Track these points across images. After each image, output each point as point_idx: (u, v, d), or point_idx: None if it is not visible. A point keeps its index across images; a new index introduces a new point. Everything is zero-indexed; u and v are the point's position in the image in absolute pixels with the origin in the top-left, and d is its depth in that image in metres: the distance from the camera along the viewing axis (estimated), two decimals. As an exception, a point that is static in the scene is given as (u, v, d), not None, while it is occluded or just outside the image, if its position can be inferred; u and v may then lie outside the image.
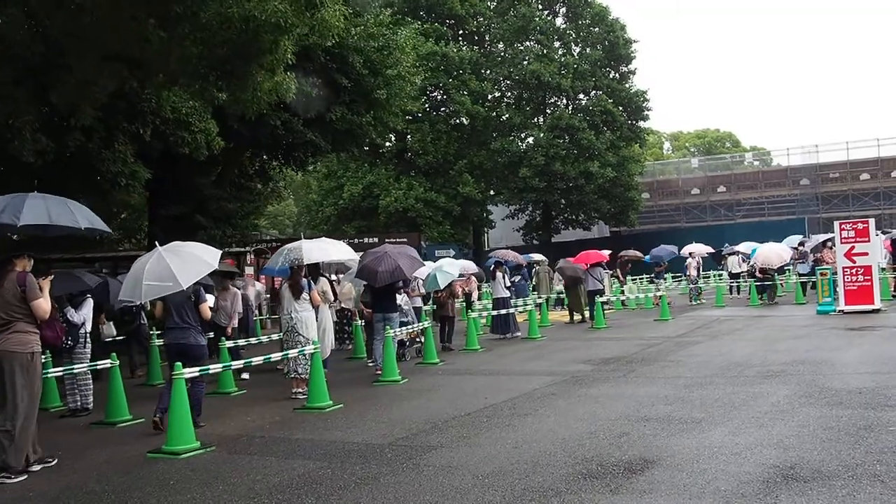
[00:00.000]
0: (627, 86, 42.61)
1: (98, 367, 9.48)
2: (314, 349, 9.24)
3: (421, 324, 13.73)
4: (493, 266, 19.04)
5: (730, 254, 27.08)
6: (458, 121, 43.07)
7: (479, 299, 26.94)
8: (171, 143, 14.33)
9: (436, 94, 42.81)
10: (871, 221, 17.81)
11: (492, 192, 45.39)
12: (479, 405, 8.64)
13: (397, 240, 31.29)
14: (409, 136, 40.01)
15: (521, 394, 9.30)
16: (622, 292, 25.03)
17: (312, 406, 9.01)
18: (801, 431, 6.29)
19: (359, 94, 19.30)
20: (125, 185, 13.40)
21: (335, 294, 15.45)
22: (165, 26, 8.68)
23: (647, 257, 27.09)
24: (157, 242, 8.98)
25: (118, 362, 9.01)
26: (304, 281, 10.39)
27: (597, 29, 42.30)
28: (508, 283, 18.78)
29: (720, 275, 29.40)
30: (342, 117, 19.00)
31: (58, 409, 10.20)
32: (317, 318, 11.29)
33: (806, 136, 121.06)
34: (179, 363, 7.30)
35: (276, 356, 9.73)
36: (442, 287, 15.96)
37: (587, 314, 19.92)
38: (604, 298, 23.37)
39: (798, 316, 18.07)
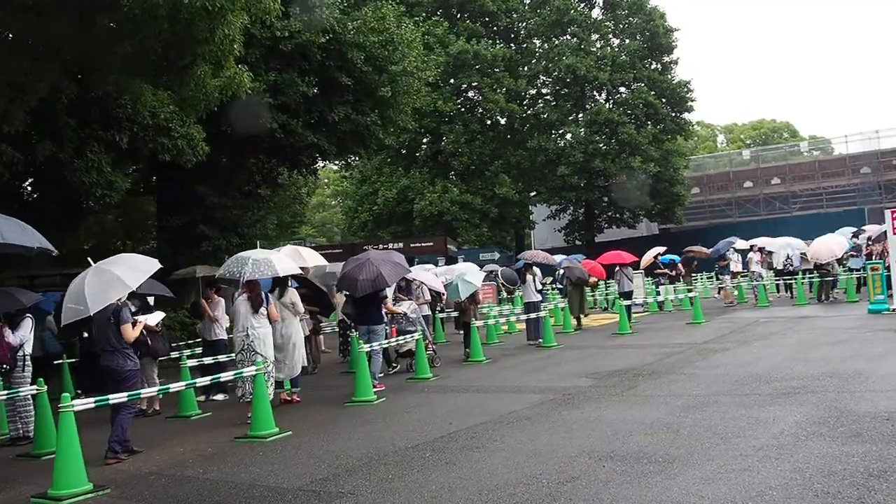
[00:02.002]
0: (669, 77, 40.61)
1: (24, 392, 8.68)
2: (256, 370, 8.25)
3: (413, 336, 12.61)
4: (522, 268, 17.93)
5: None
6: (493, 120, 41.88)
7: (512, 304, 25.88)
8: (151, 150, 13.61)
9: (469, 93, 41.73)
10: (927, 210, 15.96)
11: (532, 193, 44.03)
12: (437, 433, 7.54)
13: (423, 244, 30.50)
14: (443, 138, 38.91)
15: (494, 418, 8.15)
16: (657, 293, 23.43)
17: (254, 435, 8.04)
18: (792, 480, 4.97)
19: (363, 92, 18.39)
20: (101, 196, 12.69)
21: (332, 304, 14.66)
22: (84, 18, 7.81)
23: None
24: (90, 259, 8.19)
25: (45, 388, 8.19)
26: (265, 294, 9.44)
27: (635, 19, 40.46)
28: (539, 286, 17.58)
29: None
30: (346, 118, 18.11)
31: (4, 436, 9.50)
32: (280, 332, 10.39)
33: (868, 122, 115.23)
34: (66, 394, 6.40)
35: (225, 376, 8.79)
36: (463, 298, 14.92)
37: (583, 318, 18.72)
38: (638, 301, 22.07)
39: (846, 316, 16.35)
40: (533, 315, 16.64)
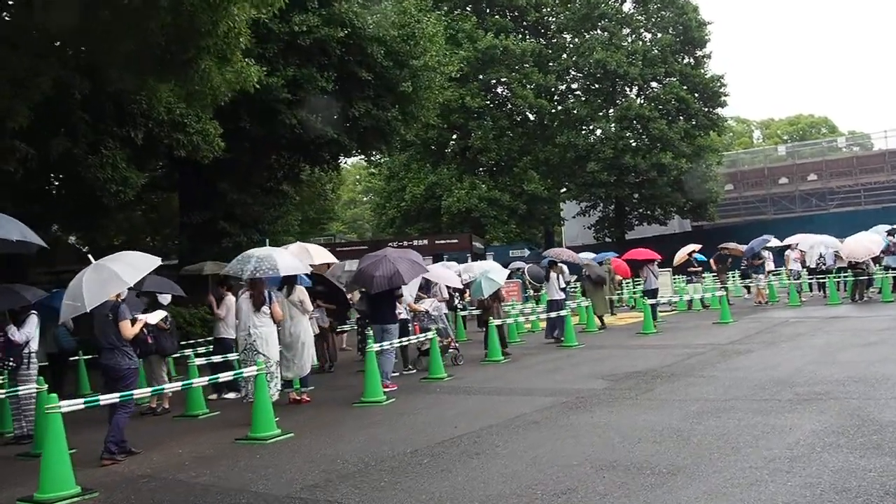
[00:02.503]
0: (702, 71, 39.77)
1: (23, 391, 8.64)
2: (258, 371, 8.08)
3: (426, 334, 12.38)
4: (547, 266, 17.62)
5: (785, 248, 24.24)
6: (521, 116, 41.44)
7: (538, 302, 25.51)
8: (167, 146, 13.56)
9: (498, 88, 41.35)
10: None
11: (561, 190, 43.52)
12: (440, 437, 7.31)
13: (448, 240, 30.22)
14: (471, 134, 38.57)
15: (501, 421, 7.89)
16: (686, 292, 22.88)
17: (255, 437, 7.87)
18: (802, 498, 4.63)
19: (383, 87, 18.21)
20: (115, 193, 12.66)
21: (348, 301, 14.48)
22: (85, 12, 7.70)
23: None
24: (90, 256, 8.13)
25: (45, 386, 8.11)
26: (267, 293, 9.28)
27: (667, 12, 39.67)
28: (563, 285, 17.24)
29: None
30: (367, 113, 17.94)
31: (9, 434, 9.49)
32: (289, 331, 10.24)
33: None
34: (54, 395, 6.29)
35: (224, 376, 8.64)
36: (486, 295, 14.67)
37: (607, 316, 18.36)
38: (664, 299, 21.59)
39: (879, 317, 15.75)
40: (553, 314, 16.33)
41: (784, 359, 11.00)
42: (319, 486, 5.86)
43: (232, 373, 8.85)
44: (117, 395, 6.83)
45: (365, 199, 65.19)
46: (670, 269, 24.94)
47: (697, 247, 24.73)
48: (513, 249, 48.32)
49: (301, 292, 10.61)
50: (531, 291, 27.19)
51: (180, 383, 8.37)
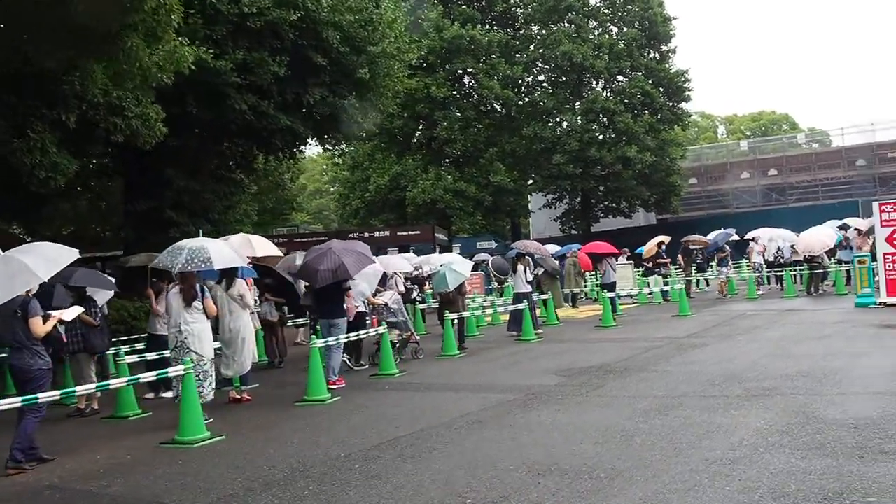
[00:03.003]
0: (667, 66, 39.76)
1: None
2: (185, 370, 7.61)
3: (378, 328, 11.96)
4: (514, 258, 17.30)
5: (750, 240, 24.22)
6: (488, 107, 41.07)
7: (502, 295, 25.22)
8: (104, 130, 12.92)
9: (465, 79, 40.92)
10: (921, 201, 15.30)
11: (529, 182, 43.28)
12: (378, 439, 6.93)
13: (411, 232, 29.81)
14: (437, 125, 38.07)
15: (445, 421, 7.54)
16: (647, 284, 22.73)
17: (181, 441, 7.40)
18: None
19: (340, 74, 17.68)
20: (45, 179, 11.99)
21: (299, 294, 13.98)
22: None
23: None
24: (-1, 249, 7.57)
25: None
26: (199, 287, 8.79)
27: (633, 6, 39.51)
28: (530, 277, 16.93)
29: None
30: (323, 100, 17.41)
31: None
32: (228, 326, 9.79)
33: (866, 115, 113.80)
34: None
35: (145, 376, 8.13)
36: (452, 288, 14.28)
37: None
38: (624, 292, 21.44)
39: (833, 310, 15.74)
40: (521, 306, 16.03)
41: (739, 352, 10.83)
42: (237, 497, 5.43)
43: (155, 373, 8.33)
44: (19, 399, 6.28)
45: (332, 189, 64.35)
46: (632, 261, 24.79)
47: (667, 238, 24.61)
48: (480, 241, 48.09)
49: (241, 286, 10.14)
50: (495, 284, 26.90)
51: (94, 385, 7.83)
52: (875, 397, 6.93)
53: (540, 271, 18.81)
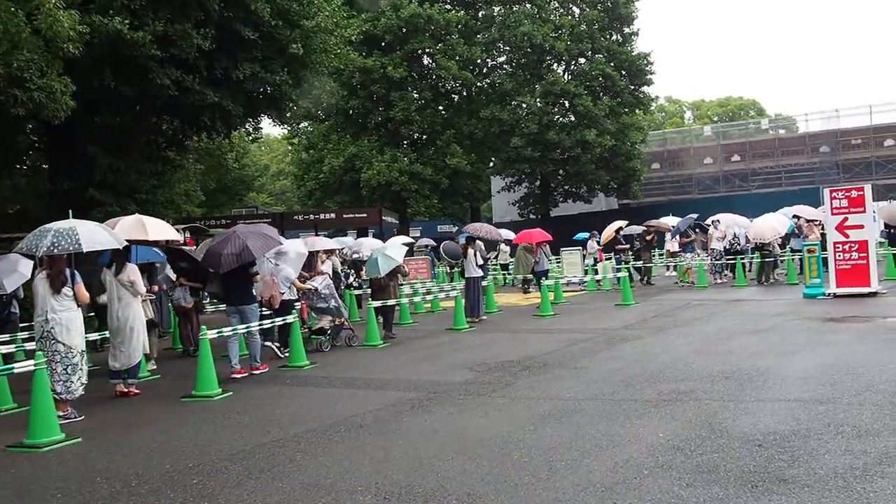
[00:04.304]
0: (629, 48, 39.19)
1: None
2: (35, 365, 6.84)
3: (287, 317, 11.21)
4: (464, 242, 16.67)
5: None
6: (446, 88, 40.24)
7: (453, 279, 24.61)
8: (1, 103, 11.97)
9: (424, 59, 40.01)
10: (868, 188, 14.89)
11: (489, 164, 42.58)
12: (241, 446, 6.25)
13: (357, 214, 29.00)
14: (393, 106, 37.16)
15: (323, 425, 6.86)
16: (596, 272, 22.24)
17: (30, 444, 6.65)
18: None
19: (271, 48, 16.84)
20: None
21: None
22: None
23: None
24: None
25: None
26: (69, 272, 7.98)
27: (595, -14, 38.92)
28: (481, 261, 16.30)
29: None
30: (253, 76, 16.53)
31: None
32: (116, 315, 9.02)
33: (830, 101, 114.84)
34: None
35: (21, 366, 7.32)
36: (383, 274, 13.56)
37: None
38: (576, 278, 20.96)
39: (779, 301, 15.30)
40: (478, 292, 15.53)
41: (667, 348, 10.28)
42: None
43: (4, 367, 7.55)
44: None
45: (289, 170, 63.15)
46: (580, 247, 24.28)
47: (624, 223, 24.11)
48: (440, 225, 47.35)
49: (133, 271, 9.36)
50: (446, 269, 26.28)
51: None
52: (793, 405, 6.37)
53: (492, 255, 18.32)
